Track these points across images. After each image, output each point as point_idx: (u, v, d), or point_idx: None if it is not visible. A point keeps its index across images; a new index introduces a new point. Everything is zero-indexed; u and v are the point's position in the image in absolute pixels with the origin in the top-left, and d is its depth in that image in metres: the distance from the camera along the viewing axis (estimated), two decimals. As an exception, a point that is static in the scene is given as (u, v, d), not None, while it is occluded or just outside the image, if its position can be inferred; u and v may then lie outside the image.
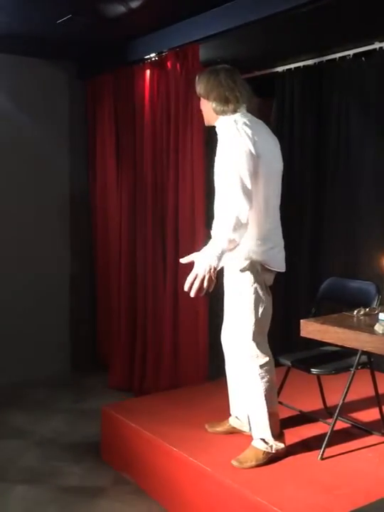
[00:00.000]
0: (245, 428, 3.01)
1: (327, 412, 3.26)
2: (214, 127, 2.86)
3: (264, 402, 2.76)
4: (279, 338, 4.08)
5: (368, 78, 4.14)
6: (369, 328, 2.41)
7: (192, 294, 2.52)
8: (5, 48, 4.50)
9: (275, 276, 2.84)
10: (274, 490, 2.55)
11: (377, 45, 3.99)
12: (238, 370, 2.91)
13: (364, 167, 4.22)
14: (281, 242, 2.84)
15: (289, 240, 2.92)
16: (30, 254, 4.85)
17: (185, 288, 2.52)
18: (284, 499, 2.47)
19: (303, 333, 2.59)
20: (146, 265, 4.49)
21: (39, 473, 3.31)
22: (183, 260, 2.65)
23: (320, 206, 4.51)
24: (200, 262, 2.53)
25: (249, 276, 2.70)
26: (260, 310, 2.73)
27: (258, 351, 2.74)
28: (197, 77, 2.85)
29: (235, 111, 2.73)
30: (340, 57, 4.23)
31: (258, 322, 2.73)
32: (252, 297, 2.71)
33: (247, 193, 2.56)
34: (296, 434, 3.02)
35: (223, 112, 2.74)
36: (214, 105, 2.76)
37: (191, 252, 4.14)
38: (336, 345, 2.76)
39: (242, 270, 2.71)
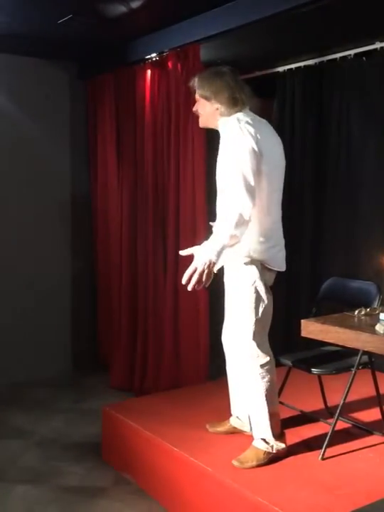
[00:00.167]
0: (246, 428, 3.01)
1: (328, 412, 3.26)
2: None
3: (265, 402, 2.76)
4: (280, 338, 4.08)
5: (369, 78, 4.14)
6: (370, 328, 2.41)
7: (189, 288, 2.51)
8: (6, 48, 4.50)
9: (276, 276, 2.83)
10: (274, 490, 2.55)
11: (378, 45, 3.99)
12: (239, 369, 2.91)
13: (365, 167, 4.22)
14: (282, 241, 2.84)
15: (290, 240, 2.92)
16: (32, 254, 4.85)
17: (183, 281, 2.51)
18: (285, 499, 2.47)
19: (304, 333, 2.59)
20: (146, 265, 4.49)
21: (39, 473, 3.31)
22: (183, 252, 2.65)
23: (321, 206, 4.51)
24: (200, 256, 2.52)
25: (249, 275, 2.70)
26: (261, 309, 2.73)
27: (259, 351, 2.74)
28: (197, 79, 2.82)
29: (239, 111, 2.74)
30: (341, 57, 4.23)
31: (258, 321, 2.73)
32: (252, 296, 2.71)
33: (250, 191, 2.56)
34: (296, 434, 3.02)
35: (229, 113, 2.74)
36: (221, 107, 2.75)
37: (192, 254, 4.15)
38: (337, 345, 2.76)
39: (243, 269, 2.71)
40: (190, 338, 4.19)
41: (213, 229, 2.73)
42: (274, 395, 2.82)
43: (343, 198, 4.36)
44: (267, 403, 2.76)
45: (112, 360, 4.82)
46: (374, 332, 2.36)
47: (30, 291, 4.86)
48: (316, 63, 4.42)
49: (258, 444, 2.80)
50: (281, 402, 2.99)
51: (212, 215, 3.21)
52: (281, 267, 2.81)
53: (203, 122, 2.89)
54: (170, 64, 4.16)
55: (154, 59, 4.30)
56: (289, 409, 3.25)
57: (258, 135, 2.62)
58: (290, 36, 3.96)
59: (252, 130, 2.61)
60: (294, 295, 4.51)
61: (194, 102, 2.91)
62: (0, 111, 4.65)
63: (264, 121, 2.81)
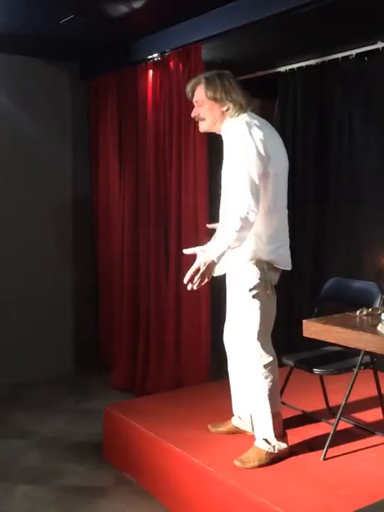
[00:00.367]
0: (248, 428, 3.01)
1: (330, 413, 3.26)
2: None
3: (268, 402, 2.76)
4: (282, 337, 4.08)
5: (371, 78, 4.14)
6: (372, 329, 2.40)
7: (189, 288, 2.52)
8: (7, 48, 4.51)
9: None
10: (276, 490, 2.55)
11: (379, 45, 3.99)
12: (241, 369, 2.91)
13: (367, 167, 4.22)
14: (288, 241, 2.85)
15: (292, 240, 2.92)
16: (33, 254, 4.86)
17: (185, 281, 2.51)
18: (287, 499, 2.46)
19: (305, 334, 2.59)
20: (148, 265, 4.49)
21: (41, 473, 3.31)
22: (186, 251, 2.63)
23: (323, 206, 4.51)
24: (203, 256, 2.52)
25: (256, 275, 2.71)
26: (266, 309, 2.74)
27: (262, 351, 2.74)
28: (204, 82, 2.78)
29: (245, 112, 2.75)
30: (342, 57, 4.23)
31: (263, 322, 2.74)
32: (258, 296, 2.71)
33: (256, 194, 2.57)
34: (298, 435, 3.02)
35: (238, 114, 2.74)
36: (228, 109, 2.75)
37: (194, 254, 4.14)
38: (339, 346, 2.75)
39: (249, 269, 2.71)
40: (192, 338, 4.19)
41: (217, 230, 2.73)
42: (276, 395, 2.82)
43: (344, 198, 4.36)
44: (270, 403, 2.76)
45: (113, 360, 4.82)
46: (376, 332, 2.35)
47: (32, 291, 4.86)
48: (317, 63, 4.42)
49: (260, 444, 2.79)
50: (283, 403, 2.99)
51: (213, 216, 3.22)
52: (288, 266, 2.83)
53: (208, 127, 2.85)
54: (172, 64, 4.16)
55: (156, 59, 4.30)
56: (290, 410, 3.24)
57: (265, 138, 2.63)
58: (292, 36, 3.96)
59: (260, 133, 2.63)
60: (296, 295, 4.51)
61: (193, 106, 2.88)
62: (1, 111, 4.66)
63: (268, 123, 2.82)
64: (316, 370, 2.94)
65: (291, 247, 2.88)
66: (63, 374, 4.93)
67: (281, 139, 2.85)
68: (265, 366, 2.74)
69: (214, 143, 3.45)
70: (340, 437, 2.93)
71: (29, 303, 4.86)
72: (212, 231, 3.01)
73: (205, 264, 2.49)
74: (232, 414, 3.11)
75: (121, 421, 3.33)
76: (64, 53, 4.75)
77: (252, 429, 2.90)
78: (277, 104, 4.73)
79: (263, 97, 4.57)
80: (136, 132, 4.58)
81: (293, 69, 4.57)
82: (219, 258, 2.52)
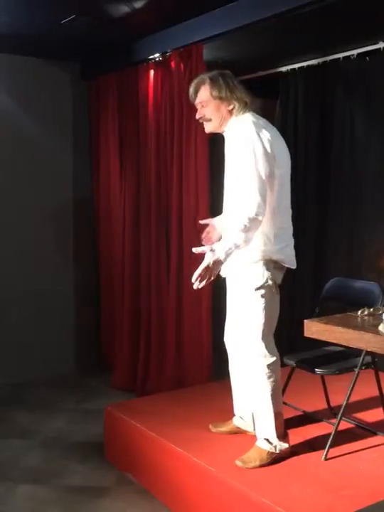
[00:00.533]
0: (249, 428, 3.01)
1: (331, 413, 3.26)
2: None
3: (271, 401, 2.76)
4: (283, 338, 4.07)
5: (372, 78, 4.14)
6: (373, 329, 2.40)
7: (195, 286, 2.53)
8: (8, 48, 4.51)
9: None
10: (277, 490, 2.55)
11: (381, 45, 3.98)
12: (243, 369, 2.91)
13: (368, 166, 4.21)
14: (292, 241, 2.86)
15: (294, 240, 2.92)
16: (34, 254, 4.86)
17: (193, 279, 2.51)
18: (288, 499, 2.46)
19: (307, 334, 2.59)
20: (149, 266, 4.48)
21: (42, 473, 3.31)
22: (195, 250, 2.60)
23: (324, 206, 4.51)
24: (211, 255, 2.51)
25: (263, 275, 2.71)
26: (271, 309, 2.75)
27: (266, 351, 2.75)
28: (209, 82, 2.77)
29: (248, 111, 2.76)
30: (344, 57, 4.23)
31: (268, 321, 2.74)
32: (264, 296, 2.72)
33: (264, 194, 2.59)
34: (300, 435, 3.02)
35: (243, 113, 2.75)
36: (233, 107, 2.76)
37: (195, 254, 4.14)
38: (340, 346, 2.75)
39: (255, 269, 2.71)
40: (193, 338, 4.19)
41: (221, 229, 2.73)
42: (278, 395, 2.82)
43: (346, 198, 4.35)
44: (272, 403, 2.76)
45: (114, 360, 4.82)
46: (377, 332, 2.35)
47: (33, 291, 4.86)
48: (319, 63, 4.42)
49: (261, 444, 2.79)
50: (284, 403, 2.98)
51: (215, 216, 3.21)
52: (293, 264, 2.84)
53: (214, 127, 2.84)
54: (173, 64, 4.16)
55: (157, 59, 4.29)
56: (292, 410, 3.25)
57: (272, 138, 2.65)
58: (293, 36, 3.95)
59: (268, 134, 2.65)
60: (297, 295, 4.51)
61: (195, 108, 2.87)
62: (3, 111, 4.66)
63: (270, 123, 2.83)
64: (318, 370, 2.94)
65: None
66: (64, 374, 4.93)
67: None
68: (269, 366, 2.74)
69: (215, 143, 3.46)
70: (342, 437, 2.92)
71: (30, 303, 4.86)
72: (205, 226, 3.07)
73: (213, 263, 2.49)
74: (234, 414, 3.11)
75: (123, 421, 3.33)
76: (65, 53, 4.75)
77: (254, 429, 2.90)
78: (279, 104, 4.73)
79: (264, 97, 4.57)
80: (137, 132, 4.58)
81: (294, 69, 4.57)
82: (226, 257, 2.52)
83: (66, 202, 5.05)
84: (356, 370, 2.87)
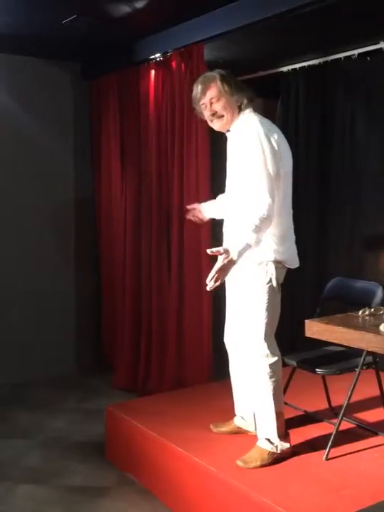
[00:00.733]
0: (250, 428, 3.01)
1: (332, 413, 3.25)
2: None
3: (272, 401, 2.76)
4: (284, 338, 4.07)
5: (373, 78, 4.14)
6: (374, 329, 2.40)
7: (209, 288, 2.50)
8: (9, 48, 4.51)
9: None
10: (278, 490, 2.54)
11: (382, 45, 3.98)
12: (244, 369, 2.91)
13: (369, 166, 4.21)
14: (294, 239, 2.86)
15: (295, 240, 2.92)
16: (35, 254, 4.86)
17: (209, 280, 2.49)
18: (289, 499, 2.46)
19: (308, 333, 2.59)
20: (150, 266, 4.48)
21: (43, 473, 3.31)
22: (210, 251, 2.55)
23: (325, 206, 4.50)
24: (225, 256, 2.50)
25: (265, 275, 2.72)
26: (274, 309, 2.76)
27: (268, 351, 2.75)
28: (219, 78, 2.76)
29: (250, 107, 2.79)
30: (345, 57, 4.22)
31: (270, 321, 2.75)
32: (266, 296, 2.72)
33: (274, 194, 2.60)
34: (301, 435, 3.01)
35: (248, 109, 2.78)
36: (242, 102, 2.77)
37: (196, 254, 4.13)
38: (341, 346, 2.75)
39: (258, 269, 2.72)
40: (194, 338, 4.19)
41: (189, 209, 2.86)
42: (280, 395, 2.82)
43: (347, 198, 4.35)
44: (274, 403, 2.76)
45: (115, 360, 4.83)
46: (378, 332, 2.35)
47: (35, 291, 4.87)
48: (319, 63, 4.41)
49: (262, 444, 2.79)
50: (285, 403, 2.98)
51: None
52: (296, 263, 2.85)
53: (226, 123, 2.82)
54: (174, 64, 4.16)
55: (158, 59, 4.30)
56: (293, 409, 3.24)
57: (279, 138, 2.67)
58: (294, 36, 3.95)
59: (275, 134, 2.67)
60: (298, 295, 4.51)
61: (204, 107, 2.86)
62: (3, 111, 4.66)
63: (272, 123, 2.83)
64: (319, 370, 2.94)
65: (293, 247, 2.89)
66: (65, 374, 4.93)
67: None
68: (270, 366, 2.75)
69: (216, 143, 3.45)
70: (343, 437, 2.92)
71: (31, 303, 4.86)
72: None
73: (227, 264, 2.48)
74: (234, 414, 3.11)
75: (124, 421, 3.33)
76: (66, 53, 4.75)
77: (255, 429, 2.90)
78: (279, 104, 4.73)
79: (265, 97, 4.57)
80: (138, 132, 4.58)
81: (295, 69, 4.57)
82: (239, 258, 2.51)
83: (67, 202, 5.05)
84: (357, 370, 2.86)
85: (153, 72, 4.36)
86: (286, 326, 4.27)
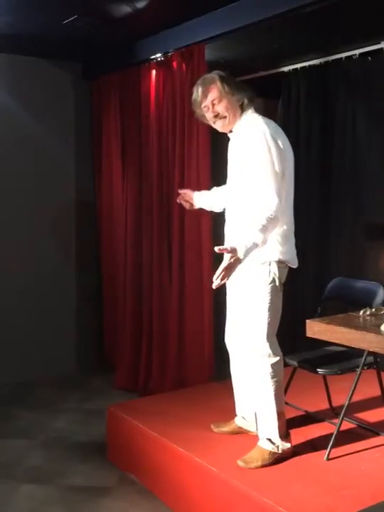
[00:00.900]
0: (251, 428, 3.01)
1: (333, 413, 3.25)
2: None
3: (274, 401, 2.76)
4: (285, 338, 4.07)
5: (374, 77, 4.14)
6: (375, 329, 2.40)
7: (214, 286, 2.51)
8: (10, 48, 4.51)
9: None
10: (279, 490, 2.54)
11: (383, 45, 3.98)
12: (245, 369, 2.91)
13: (370, 166, 4.21)
14: (294, 240, 2.87)
15: (295, 239, 2.92)
16: (36, 253, 4.86)
17: (215, 278, 2.50)
18: (290, 499, 2.46)
19: (309, 334, 2.59)
20: (151, 266, 4.48)
21: (44, 473, 3.31)
22: (217, 249, 2.54)
23: (326, 206, 4.50)
24: (231, 255, 2.50)
25: (268, 275, 2.72)
26: (276, 309, 2.76)
27: (270, 350, 2.75)
28: (218, 79, 2.77)
29: (252, 107, 2.80)
30: (346, 57, 4.23)
31: (272, 321, 2.75)
32: (269, 296, 2.73)
33: (281, 194, 2.61)
34: (302, 435, 3.01)
35: (248, 108, 2.79)
36: (243, 102, 2.78)
37: (197, 254, 4.13)
38: (342, 346, 2.75)
39: (261, 269, 2.72)
40: (195, 338, 4.19)
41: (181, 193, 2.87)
42: (281, 395, 2.82)
43: (348, 198, 4.35)
44: (276, 402, 2.76)
45: (116, 360, 4.83)
46: (379, 332, 2.35)
47: (35, 291, 4.87)
48: (321, 63, 4.42)
49: (264, 444, 2.79)
50: (286, 403, 2.98)
51: (216, 215, 3.22)
52: (296, 263, 2.85)
53: (228, 123, 2.82)
54: (175, 64, 4.16)
55: (159, 59, 4.30)
56: (294, 410, 3.24)
57: (284, 139, 2.68)
58: (295, 36, 3.96)
59: (281, 135, 2.68)
60: (299, 295, 4.51)
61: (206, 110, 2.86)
62: (4, 111, 4.67)
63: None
64: (320, 370, 2.94)
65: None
66: (66, 374, 4.93)
67: None
68: (272, 366, 2.75)
69: (217, 143, 3.45)
70: (344, 437, 2.92)
71: (32, 303, 4.87)
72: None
73: (233, 262, 2.48)
74: (235, 414, 3.11)
75: (125, 421, 3.33)
76: (67, 53, 4.75)
77: (256, 429, 2.90)
78: (280, 104, 4.73)
79: (266, 97, 4.57)
80: (139, 132, 4.58)
81: (296, 69, 4.57)
82: (245, 257, 2.51)
83: (68, 202, 5.05)
84: (358, 370, 2.86)
85: (154, 72, 4.36)
86: (287, 326, 4.26)
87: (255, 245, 2.53)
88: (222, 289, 3.06)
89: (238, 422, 3.09)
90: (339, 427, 2.85)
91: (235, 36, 3.75)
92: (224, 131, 2.90)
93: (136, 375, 4.56)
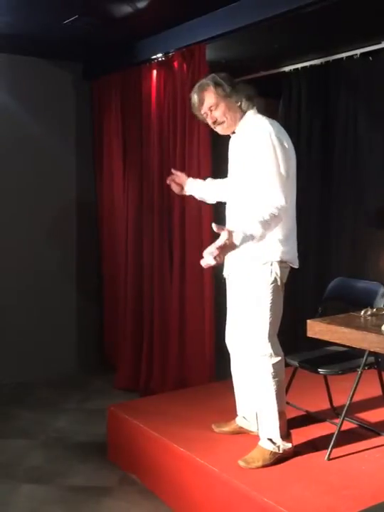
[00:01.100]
0: (252, 428, 3.01)
1: (334, 413, 3.25)
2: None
3: (275, 401, 2.76)
4: (286, 338, 4.07)
5: (375, 77, 4.13)
6: (376, 329, 2.40)
7: (203, 263, 2.43)
8: (11, 48, 4.52)
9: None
10: (280, 490, 2.54)
11: (384, 45, 3.99)
12: (246, 369, 2.91)
13: (371, 166, 4.21)
14: (296, 240, 2.86)
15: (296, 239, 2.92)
16: (37, 254, 4.86)
17: (206, 253, 2.42)
18: (291, 499, 2.46)
19: (310, 334, 2.58)
20: (152, 266, 4.49)
21: (45, 473, 3.31)
22: (215, 226, 2.47)
23: (327, 206, 4.50)
24: (228, 236, 2.43)
25: (271, 275, 2.72)
26: (277, 309, 2.76)
27: (271, 350, 2.75)
28: (213, 83, 2.77)
29: (253, 106, 2.80)
30: (347, 57, 4.22)
31: (274, 321, 2.75)
32: (271, 296, 2.73)
33: (286, 193, 2.61)
34: (303, 435, 3.01)
35: (249, 108, 2.79)
36: (241, 102, 2.77)
37: (198, 254, 4.12)
38: (343, 346, 2.75)
39: (263, 269, 2.72)
40: (196, 338, 4.19)
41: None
42: (282, 395, 2.82)
43: (349, 198, 4.35)
44: (277, 402, 2.76)
45: (117, 360, 4.83)
46: (380, 332, 2.35)
47: (35, 291, 4.87)
48: (322, 63, 4.42)
49: (264, 444, 2.79)
50: (287, 403, 2.98)
51: (217, 215, 3.22)
52: (297, 263, 2.84)
53: (228, 126, 2.82)
54: (176, 64, 4.16)
55: (160, 59, 4.30)
56: (295, 410, 3.24)
57: (287, 139, 2.69)
58: (295, 36, 3.96)
59: (285, 135, 2.69)
60: (300, 295, 4.51)
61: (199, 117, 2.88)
62: (5, 111, 4.67)
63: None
64: (321, 370, 2.94)
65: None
66: (67, 374, 4.93)
67: None
68: (274, 365, 2.75)
69: (217, 143, 3.45)
70: (345, 437, 2.92)
71: (33, 303, 4.87)
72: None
73: (227, 245, 2.42)
74: (236, 414, 3.11)
75: (125, 421, 3.33)
76: (68, 53, 4.75)
77: (257, 429, 2.90)
78: (281, 104, 4.73)
79: (267, 97, 4.56)
80: (140, 132, 4.58)
81: (297, 69, 4.57)
82: (240, 245, 2.46)
83: (69, 202, 5.05)
84: (359, 370, 2.86)
85: (155, 72, 4.36)
86: (288, 326, 4.26)
87: (252, 237, 2.49)
88: (222, 289, 3.06)
89: (239, 421, 3.09)
90: (340, 427, 2.85)
91: (236, 36, 3.75)
92: (224, 134, 2.90)
93: (136, 375, 4.56)
